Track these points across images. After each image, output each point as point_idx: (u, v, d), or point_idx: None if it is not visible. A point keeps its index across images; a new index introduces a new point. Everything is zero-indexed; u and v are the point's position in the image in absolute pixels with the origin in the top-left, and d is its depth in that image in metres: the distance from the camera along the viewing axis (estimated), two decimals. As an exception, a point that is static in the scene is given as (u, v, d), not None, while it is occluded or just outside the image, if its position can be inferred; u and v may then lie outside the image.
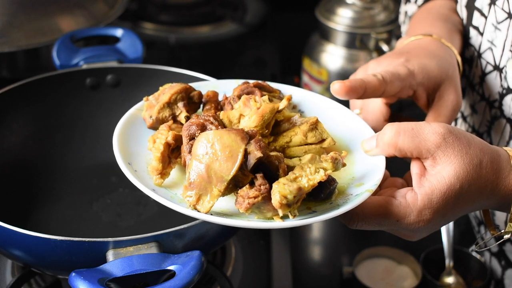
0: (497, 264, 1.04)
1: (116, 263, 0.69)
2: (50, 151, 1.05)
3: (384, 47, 1.41)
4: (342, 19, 1.42)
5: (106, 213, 1.01)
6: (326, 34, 1.45)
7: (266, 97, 0.78)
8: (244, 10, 1.82)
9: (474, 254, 1.05)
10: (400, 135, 0.71)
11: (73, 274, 0.68)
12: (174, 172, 0.75)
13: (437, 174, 0.69)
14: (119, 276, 0.68)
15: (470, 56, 0.98)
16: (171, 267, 0.69)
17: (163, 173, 0.73)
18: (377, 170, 0.73)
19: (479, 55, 0.95)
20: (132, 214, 1.01)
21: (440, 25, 0.96)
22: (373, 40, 1.41)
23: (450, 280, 1.02)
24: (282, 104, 0.77)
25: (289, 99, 0.79)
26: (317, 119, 0.77)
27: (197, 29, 1.74)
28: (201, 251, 0.71)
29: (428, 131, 0.70)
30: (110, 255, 0.71)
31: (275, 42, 1.71)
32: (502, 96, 0.92)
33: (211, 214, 0.67)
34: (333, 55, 1.44)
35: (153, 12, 1.78)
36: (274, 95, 0.83)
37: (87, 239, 0.71)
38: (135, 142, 0.78)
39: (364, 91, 0.80)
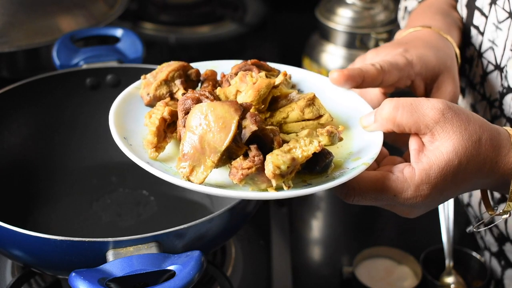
0: (497, 264, 1.04)
1: (116, 263, 0.69)
2: (50, 151, 1.05)
3: (384, 47, 1.41)
4: (342, 19, 1.42)
5: (106, 213, 1.01)
6: (326, 34, 1.45)
7: (263, 73, 0.78)
8: (244, 10, 1.81)
9: (473, 246, 1.05)
10: (399, 110, 0.70)
11: (73, 274, 0.68)
12: (170, 147, 0.75)
13: (436, 150, 0.69)
14: (119, 276, 0.68)
15: (470, 56, 0.98)
16: (171, 267, 0.69)
17: (158, 147, 0.73)
18: (374, 145, 0.72)
19: (480, 55, 0.95)
20: (132, 214, 1.01)
21: (439, 19, 0.96)
22: (373, 40, 1.41)
23: (450, 280, 1.02)
24: (278, 80, 0.77)
25: (285, 74, 0.79)
26: (314, 95, 0.76)
27: (197, 29, 1.74)
28: (201, 251, 0.71)
29: (427, 106, 0.70)
30: (110, 255, 0.71)
31: (275, 42, 1.71)
32: (502, 95, 0.92)
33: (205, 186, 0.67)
34: (333, 55, 1.44)
35: (153, 12, 1.78)
36: (273, 74, 0.82)
37: (87, 239, 0.70)
38: (132, 119, 0.78)
39: (362, 80, 0.80)
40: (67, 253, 0.72)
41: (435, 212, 1.05)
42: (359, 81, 0.80)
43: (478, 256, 1.04)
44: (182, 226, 0.73)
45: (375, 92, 0.88)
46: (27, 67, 1.27)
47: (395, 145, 0.83)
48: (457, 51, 0.92)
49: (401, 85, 0.86)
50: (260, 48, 1.69)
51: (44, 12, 1.26)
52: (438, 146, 0.69)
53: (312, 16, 1.46)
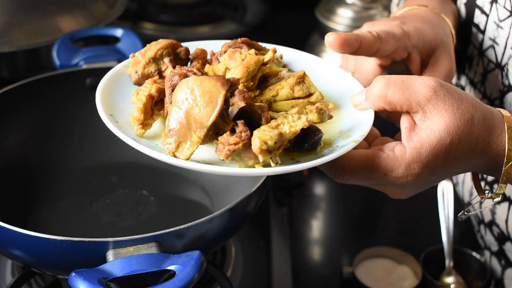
0: (497, 264, 1.04)
1: (116, 263, 0.69)
2: (50, 151, 1.05)
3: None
4: (342, 19, 1.42)
5: (106, 213, 1.01)
6: (326, 34, 1.45)
7: (252, 51, 0.77)
8: (244, 10, 1.81)
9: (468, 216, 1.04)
10: (390, 87, 0.69)
11: (73, 274, 0.68)
12: (158, 125, 0.74)
13: (427, 128, 0.68)
14: (119, 276, 0.68)
15: (470, 54, 0.98)
16: (171, 267, 0.69)
17: (145, 124, 0.72)
18: (365, 123, 0.72)
19: (481, 53, 0.95)
20: (132, 214, 1.01)
21: (436, 1, 0.96)
22: (373, 40, 1.41)
23: (450, 280, 1.02)
24: (267, 56, 0.75)
25: (275, 51, 0.77)
26: (304, 73, 0.75)
27: (197, 29, 1.74)
28: (201, 251, 0.71)
29: (419, 84, 0.69)
30: (110, 255, 0.71)
31: (275, 42, 1.71)
32: (503, 93, 0.92)
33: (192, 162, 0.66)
34: (333, 55, 1.44)
35: (153, 12, 1.78)
36: (263, 53, 0.81)
37: (87, 239, 0.71)
38: (120, 97, 0.77)
39: (358, 46, 0.78)
40: (67, 253, 0.72)
41: (435, 212, 1.05)
42: (355, 46, 0.78)
43: (478, 256, 1.04)
44: (182, 226, 0.73)
45: (371, 63, 0.87)
46: (27, 67, 1.27)
47: (390, 120, 0.82)
48: (453, 31, 0.92)
49: (398, 56, 0.84)
50: (260, 48, 1.69)
51: (44, 12, 1.27)
52: (429, 124, 0.68)
53: (312, 16, 1.46)
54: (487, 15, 0.93)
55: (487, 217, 1.03)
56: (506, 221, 0.97)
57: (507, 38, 0.89)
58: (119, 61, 1.06)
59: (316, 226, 1.21)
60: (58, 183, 1.04)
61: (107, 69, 1.04)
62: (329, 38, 0.78)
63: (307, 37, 1.51)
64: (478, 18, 0.95)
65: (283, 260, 1.04)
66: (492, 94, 0.95)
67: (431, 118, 0.68)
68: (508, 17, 0.89)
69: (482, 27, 0.94)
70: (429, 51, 0.86)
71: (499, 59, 0.92)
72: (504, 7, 0.89)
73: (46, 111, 1.05)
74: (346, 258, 1.12)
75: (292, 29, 1.81)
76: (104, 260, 0.71)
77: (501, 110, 0.72)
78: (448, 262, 1.03)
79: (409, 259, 1.06)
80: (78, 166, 1.06)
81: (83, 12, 1.31)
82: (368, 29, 0.85)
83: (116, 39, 1.13)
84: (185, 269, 0.68)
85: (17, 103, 1.01)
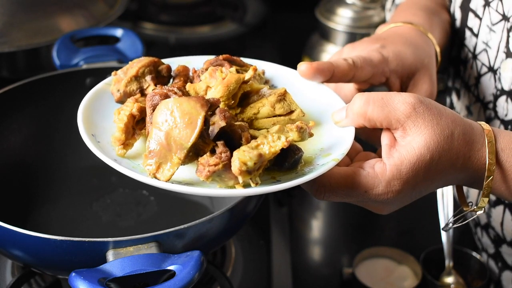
0: (494, 266, 1.04)
1: (116, 263, 0.69)
2: (50, 151, 1.05)
3: (384, 47, 1.40)
4: (342, 19, 1.42)
5: (106, 213, 1.01)
6: (326, 34, 1.45)
7: (233, 69, 0.77)
8: (244, 10, 1.82)
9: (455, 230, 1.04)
10: (370, 105, 0.69)
11: (73, 274, 0.68)
12: (139, 144, 0.74)
13: (407, 145, 0.68)
14: (119, 276, 0.68)
15: (465, 57, 0.98)
16: (171, 267, 0.69)
17: (126, 144, 0.72)
18: (345, 141, 0.72)
19: (475, 57, 0.95)
20: (132, 214, 1.01)
21: (423, 16, 0.95)
22: (373, 40, 1.41)
23: (450, 280, 1.02)
24: (248, 75, 0.76)
25: (255, 69, 0.77)
26: (285, 90, 0.75)
27: (197, 29, 1.74)
28: (201, 251, 0.71)
29: (398, 100, 0.69)
30: (110, 255, 0.71)
31: (275, 42, 1.71)
32: (496, 97, 0.92)
33: (172, 183, 0.66)
34: (331, 55, 1.44)
35: (153, 12, 1.78)
36: (245, 69, 0.81)
37: (87, 239, 0.71)
38: (102, 116, 0.77)
39: (332, 74, 0.79)
40: (67, 253, 0.72)
41: (435, 212, 1.05)
42: (328, 75, 0.79)
43: (478, 256, 1.04)
44: (182, 226, 0.73)
45: (350, 88, 0.87)
46: (27, 67, 1.27)
47: (369, 141, 0.82)
48: (437, 49, 0.91)
49: (376, 81, 0.85)
50: (260, 48, 1.69)
51: (44, 12, 1.27)
52: (409, 141, 0.68)
53: (312, 16, 1.46)
54: (480, 19, 0.93)
55: (483, 220, 1.03)
56: (502, 224, 0.97)
57: (499, 42, 0.89)
58: (119, 61, 1.06)
59: (316, 226, 1.21)
60: (58, 183, 1.04)
61: (107, 69, 1.05)
62: (301, 67, 0.79)
63: (307, 37, 1.51)
64: (472, 21, 0.95)
65: (283, 260, 1.04)
66: (485, 98, 0.94)
67: (411, 135, 0.68)
68: (500, 20, 0.88)
69: (475, 30, 0.94)
70: (408, 75, 0.86)
71: (491, 63, 0.91)
72: (496, 10, 0.89)
73: (46, 111, 1.05)
74: (346, 258, 1.12)
75: (292, 29, 1.81)
76: (104, 260, 0.71)
77: (482, 123, 0.72)
78: (448, 262, 1.03)
79: (409, 259, 1.06)
80: (78, 166, 1.06)
81: (83, 12, 1.31)
82: (347, 53, 0.85)
83: (116, 39, 1.13)
84: (185, 269, 0.68)
85: (17, 103, 1.01)
